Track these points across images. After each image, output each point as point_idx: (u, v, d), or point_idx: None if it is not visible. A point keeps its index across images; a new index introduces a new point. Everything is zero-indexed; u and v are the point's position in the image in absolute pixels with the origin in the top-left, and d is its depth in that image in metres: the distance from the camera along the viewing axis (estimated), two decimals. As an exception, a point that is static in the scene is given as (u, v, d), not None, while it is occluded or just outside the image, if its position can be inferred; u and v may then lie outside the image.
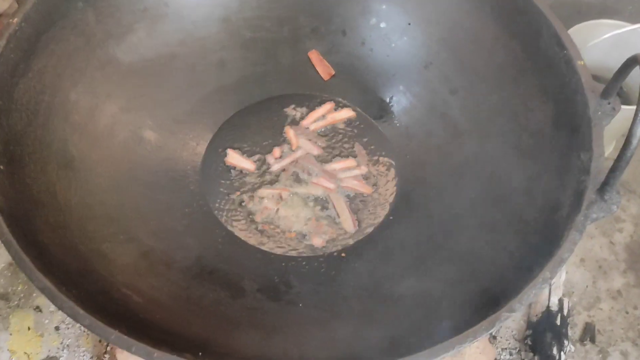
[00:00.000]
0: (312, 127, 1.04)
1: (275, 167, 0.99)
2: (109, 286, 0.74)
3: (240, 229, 0.93)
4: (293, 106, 1.06)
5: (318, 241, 0.93)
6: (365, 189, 0.98)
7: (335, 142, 1.03)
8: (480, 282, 0.76)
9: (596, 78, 0.83)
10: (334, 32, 1.06)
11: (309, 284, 0.87)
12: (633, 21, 1.24)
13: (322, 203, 0.97)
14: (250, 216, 0.95)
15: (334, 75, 1.08)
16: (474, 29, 0.94)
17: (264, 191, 0.97)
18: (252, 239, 0.92)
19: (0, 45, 0.78)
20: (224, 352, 0.71)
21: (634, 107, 1.15)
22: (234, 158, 1.00)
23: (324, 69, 1.08)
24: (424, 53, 1.01)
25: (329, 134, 1.04)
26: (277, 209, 0.95)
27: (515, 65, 0.90)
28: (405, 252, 0.89)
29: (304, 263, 0.90)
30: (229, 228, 0.93)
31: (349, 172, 1.01)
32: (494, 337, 1.13)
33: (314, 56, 1.08)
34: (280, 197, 0.97)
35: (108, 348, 1.06)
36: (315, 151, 1.01)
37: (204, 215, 0.93)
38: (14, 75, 0.79)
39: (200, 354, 0.64)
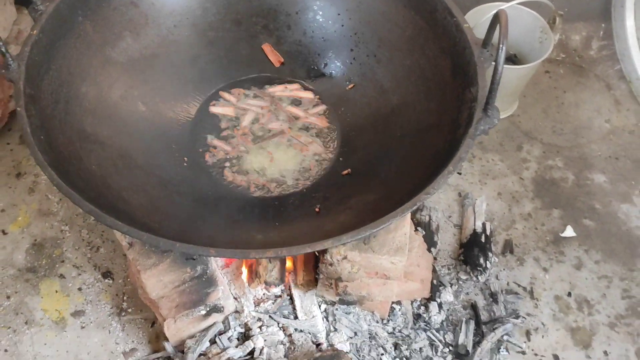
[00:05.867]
0: (277, 94, 1.31)
1: (245, 123, 1.25)
2: (133, 216, 0.98)
3: (223, 177, 1.18)
4: (252, 85, 1.33)
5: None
6: (323, 122, 1.25)
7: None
8: (408, 185, 1.02)
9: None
10: (280, 28, 1.33)
11: (284, 212, 1.13)
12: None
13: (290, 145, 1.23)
14: (229, 167, 1.19)
15: (282, 63, 1.34)
16: (388, 12, 1.22)
17: (238, 142, 1.23)
18: (234, 184, 1.17)
19: (27, 51, 1.02)
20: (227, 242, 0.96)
21: (522, 66, 1.45)
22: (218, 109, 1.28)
23: (275, 58, 1.34)
24: (353, 34, 1.28)
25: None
26: (252, 159, 1.20)
27: (420, 35, 1.17)
28: (356, 176, 1.16)
29: (275, 198, 1.16)
30: (214, 177, 1.18)
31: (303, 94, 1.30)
32: (435, 258, 1.39)
33: (267, 48, 1.34)
34: (256, 148, 1.22)
35: (125, 297, 1.29)
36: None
37: (193, 169, 1.18)
38: (40, 72, 1.03)
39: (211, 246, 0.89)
